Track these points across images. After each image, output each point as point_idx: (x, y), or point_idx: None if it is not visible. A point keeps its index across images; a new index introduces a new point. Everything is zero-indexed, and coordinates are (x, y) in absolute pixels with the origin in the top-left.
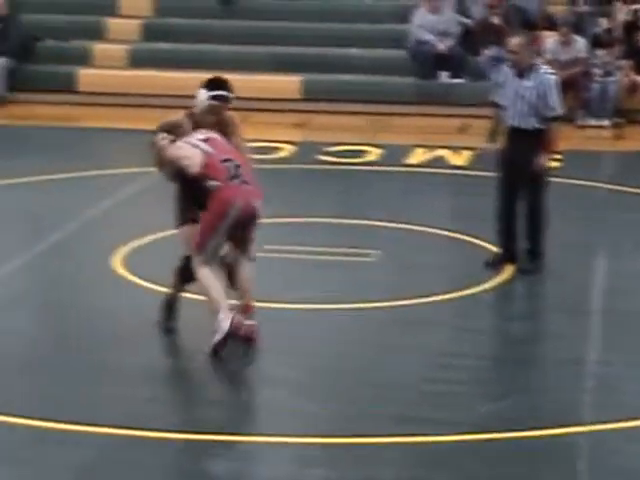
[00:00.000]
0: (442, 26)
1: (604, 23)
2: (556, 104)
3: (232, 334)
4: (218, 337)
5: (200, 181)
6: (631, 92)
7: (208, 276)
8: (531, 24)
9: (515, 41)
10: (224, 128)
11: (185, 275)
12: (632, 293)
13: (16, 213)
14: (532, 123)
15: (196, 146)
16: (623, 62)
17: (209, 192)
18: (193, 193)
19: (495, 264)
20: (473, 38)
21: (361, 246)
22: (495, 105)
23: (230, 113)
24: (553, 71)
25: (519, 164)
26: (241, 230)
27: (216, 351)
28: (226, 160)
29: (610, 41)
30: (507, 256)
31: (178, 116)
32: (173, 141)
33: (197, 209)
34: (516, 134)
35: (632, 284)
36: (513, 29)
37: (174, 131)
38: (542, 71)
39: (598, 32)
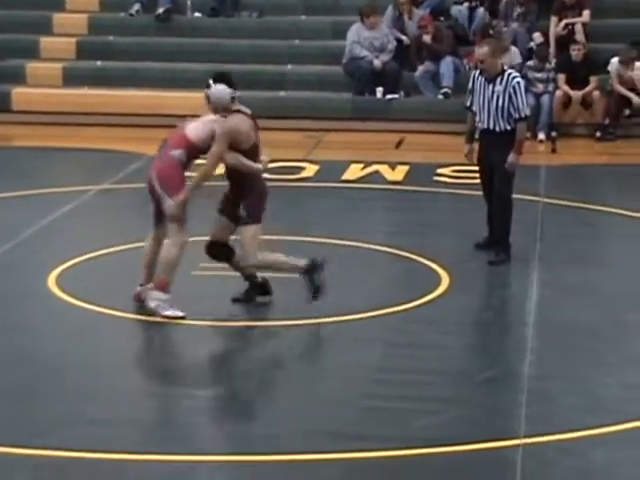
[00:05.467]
0: (378, 42)
1: (538, 38)
2: (523, 105)
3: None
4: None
5: None
6: (565, 106)
7: None
8: (466, 39)
9: (483, 50)
10: None
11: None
12: (566, 306)
13: None
14: (502, 125)
15: None
16: (558, 76)
17: None
18: None
19: (483, 246)
20: (408, 54)
21: None
22: (469, 110)
23: None
24: (518, 74)
25: (492, 163)
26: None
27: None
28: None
29: (544, 55)
30: (493, 239)
31: None
32: None
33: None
34: (488, 136)
35: (566, 297)
36: (444, 47)
37: None
38: (509, 75)
39: (532, 46)
